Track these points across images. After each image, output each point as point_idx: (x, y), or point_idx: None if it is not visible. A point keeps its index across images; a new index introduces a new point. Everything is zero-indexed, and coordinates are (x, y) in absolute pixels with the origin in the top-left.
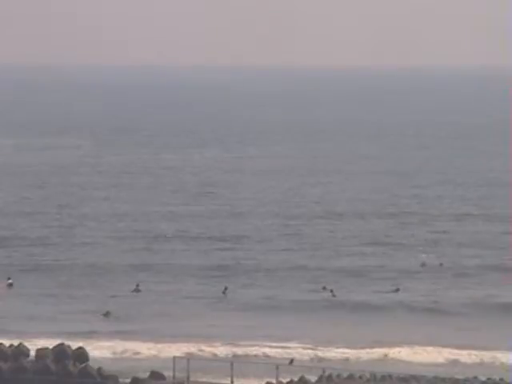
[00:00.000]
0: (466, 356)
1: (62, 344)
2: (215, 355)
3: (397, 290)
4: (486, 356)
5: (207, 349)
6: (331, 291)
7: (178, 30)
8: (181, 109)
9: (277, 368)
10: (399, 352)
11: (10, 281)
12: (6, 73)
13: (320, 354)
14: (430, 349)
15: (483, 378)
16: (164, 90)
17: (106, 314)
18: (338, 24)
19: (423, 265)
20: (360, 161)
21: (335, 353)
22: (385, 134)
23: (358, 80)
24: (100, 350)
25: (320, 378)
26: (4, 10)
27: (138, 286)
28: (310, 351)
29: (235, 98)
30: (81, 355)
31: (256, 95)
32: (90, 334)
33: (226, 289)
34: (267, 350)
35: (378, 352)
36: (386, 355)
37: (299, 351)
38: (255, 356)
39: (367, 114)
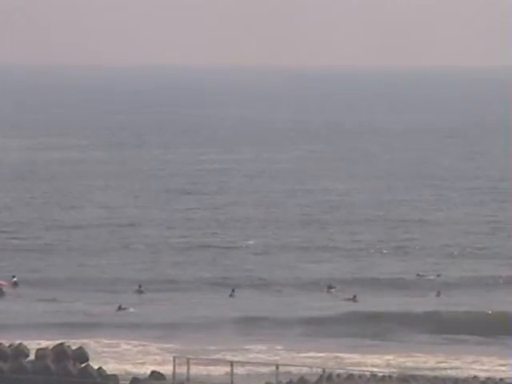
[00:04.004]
0: None
1: (62, 344)
2: (215, 355)
3: (438, 294)
4: None
5: (208, 349)
6: (354, 297)
7: (177, 31)
8: (180, 109)
9: (277, 368)
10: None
11: (14, 279)
12: (7, 73)
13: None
14: None
15: (483, 378)
16: (164, 90)
17: (119, 309)
18: (339, 23)
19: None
20: (366, 163)
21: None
22: (388, 134)
23: (359, 79)
24: (100, 350)
25: (320, 378)
26: (4, 10)
27: (140, 286)
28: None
29: (235, 98)
30: (81, 355)
31: (256, 96)
32: (92, 334)
33: (233, 291)
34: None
35: None
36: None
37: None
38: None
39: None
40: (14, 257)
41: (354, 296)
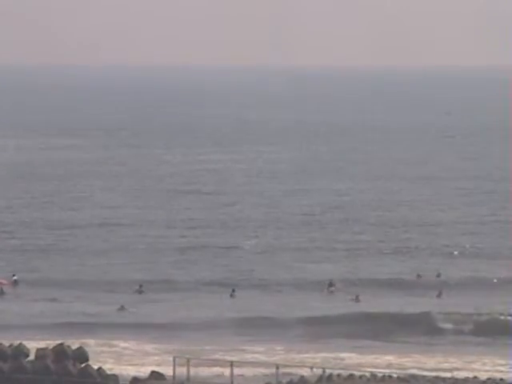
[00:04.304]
0: None
1: (62, 344)
2: (215, 355)
3: (439, 295)
4: None
5: (208, 349)
6: (357, 297)
7: (176, 30)
8: (180, 109)
9: (277, 368)
10: None
11: (15, 277)
12: (7, 73)
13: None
14: None
15: (483, 378)
16: (163, 90)
17: (121, 309)
18: (339, 22)
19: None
20: (367, 163)
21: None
22: (384, 134)
23: (359, 79)
24: (100, 350)
25: (320, 378)
26: (5, 11)
27: (141, 286)
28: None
29: (235, 98)
30: (81, 355)
31: (256, 96)
32: (92, 334)
33: (233, 291)
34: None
35: None
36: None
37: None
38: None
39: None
40: (14, 257)
41: (357, 296)
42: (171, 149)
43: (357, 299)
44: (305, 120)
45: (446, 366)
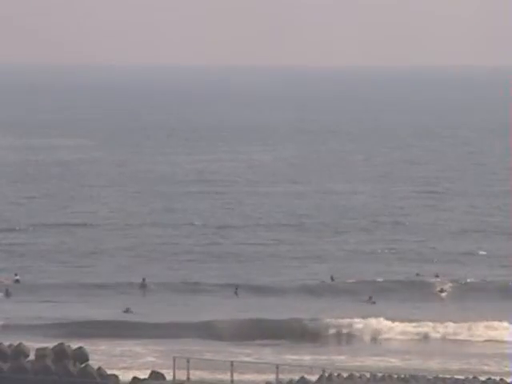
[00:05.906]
0: None
1: (62, 344)
2: (216, 355)
3: (441, 291)
4: None
5: (208, 349)
6: (370, 298)
7: (176, 30)
8: (179, 110)
9: (277, 368)
10: None
11: (16, 277)
12: (6, 73)
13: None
14: None
15: (483, 378)
16: (163, 90)
17: (126, 311)
18: (338, 23)
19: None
20: (366, 164)
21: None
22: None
23: (358, 80)
24: (100, 350)
25: (320, 378)
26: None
27: (144, 280)
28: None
29: (234, 98)
30: (81, 355)
31: (255, 96)
32: (92, 335)
33: (237, 288)
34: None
35: None
36: None
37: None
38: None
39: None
40: (15, 258)
41: (370, 297)
42: (171, 149)
43: (370, 300)
44: (303, 120)
45: (445, 365)
